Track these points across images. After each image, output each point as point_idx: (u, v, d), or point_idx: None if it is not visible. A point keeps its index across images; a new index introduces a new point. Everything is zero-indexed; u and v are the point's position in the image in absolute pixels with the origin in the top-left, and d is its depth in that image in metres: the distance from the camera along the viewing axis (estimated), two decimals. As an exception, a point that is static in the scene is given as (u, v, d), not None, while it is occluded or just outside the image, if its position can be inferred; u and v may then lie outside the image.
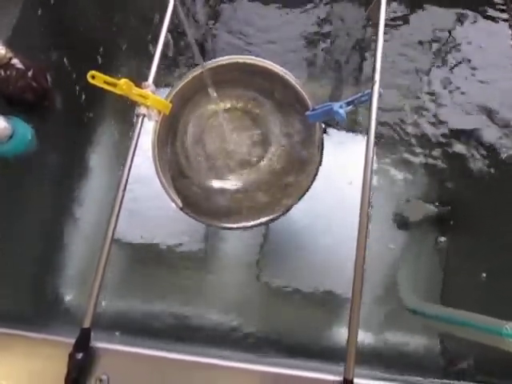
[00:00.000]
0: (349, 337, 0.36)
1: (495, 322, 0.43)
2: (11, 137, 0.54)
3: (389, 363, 0.60)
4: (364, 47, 0.62)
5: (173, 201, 0.45)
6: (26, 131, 0.57)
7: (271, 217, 0.46)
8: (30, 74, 0.56)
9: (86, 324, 0.37)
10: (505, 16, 0.68)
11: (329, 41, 0.69)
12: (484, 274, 0.58)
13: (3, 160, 0.55)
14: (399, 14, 0.67)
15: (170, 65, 0.67)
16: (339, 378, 0.36)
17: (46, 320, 0.58)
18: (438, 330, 0.60)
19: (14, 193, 0.59)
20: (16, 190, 0.59)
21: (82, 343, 0.37)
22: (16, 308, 0.57)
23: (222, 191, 0.50)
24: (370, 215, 0.40)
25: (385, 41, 0.43)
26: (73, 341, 0.37)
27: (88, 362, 0.37)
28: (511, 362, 0.45)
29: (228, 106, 0.52)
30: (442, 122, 0.68)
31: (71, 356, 0.36)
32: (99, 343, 0.38)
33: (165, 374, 0.38)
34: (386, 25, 0.45)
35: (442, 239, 0.66)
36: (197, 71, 0.48)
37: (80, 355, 0.36)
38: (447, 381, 0.40)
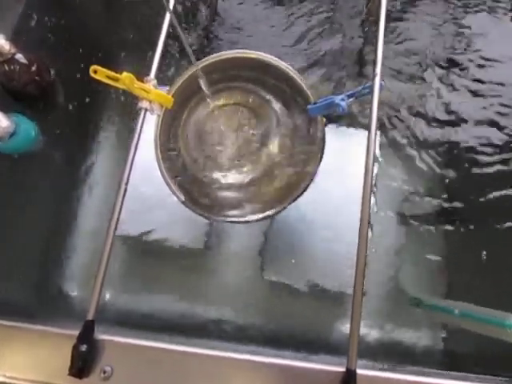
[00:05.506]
0: (351, 328, 0.36)
1: (499, 314, 0.43)
2: (14, 134, 0.54)
3: (391, 355, 0.60)
4: (365, 40, 0.63)
5: (175, 194, 0.45)
6: (29, 128, 0.57)
7: (274, 211, 0.46)
8: (33, 68, 0.56)
9: (90, 316, 0.37)
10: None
11: (331, 35, 0.69)
12: (489, 266, 0.58)
13: (7, 157, 0.56)
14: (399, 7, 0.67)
15: (172, 60, 0.68)
16: (342, 369, 0.36)
17: (50, 313, 0.59)
18: (441, 322, 0.60)
19: (19, 188, 0.59)
20: (21, 185, 0.60)
21: (86, 335, 0.37)
22: (21, 301, 0.57)
23: (225, 185, 0.50)
24: (371, 208, 0.40)
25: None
26: (77, 333, 0.37)
27: (92, 354, 0.37)
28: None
29: (229, 100, 0.52)
30: (445, 115, 0.68)
31: (75, 348, 0.36)
32: (103, 335, 0.39)
33: (168, 366, 0.38)
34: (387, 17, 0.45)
35: (446, 232, 0.66)
36: (197, 66, 0.48)
37: (84, 347, 0.36)
38: (449, 372, 0.40)
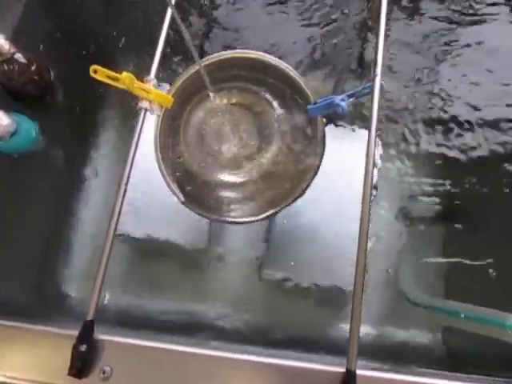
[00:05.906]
0: (351, 328, 0.36)
1: (499, 314, 0.43)
2: (15, 134, 0.54)
3: (391, 356, 0.60)
4: (366, 40, 0.62)
5: (175, 194, 0.45)
6: (30, 128, 0.57)
7: (274, 211, 0.46)
8: (33, 68, 0.56)
9: (90, 316, 0.37)
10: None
11: (331, 35, 0.69)
12: (489, 268, 0.58)
13: (7, 157, 0.56)
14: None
15: (172, 60, 0.68)
16: (342, 370, 0.36)
17: (50, 314, 0.59)
18: (440, 322, 0.60)
19: (19, 188, 0.59)
20: (21, 185, 0.60)
21: (86, 335, 0.37)
22: (21, 301, 0.57)
23: (225, 185, 0.50)
24: (371, 206, 0.40)
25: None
26: (76, 333, 0.37)
27: (91, 354, 0.37)
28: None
29: (229, 100, 0.52)
30: (448, 114, 0.67)
31: (75, 348, 0.36)
32: (102, 335, 0.39)
33: (168, 366, 0.38)
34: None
35: (446, 233, 0.66)
36: (196, 66, 0.48)
37: (83, 347, 0.36)
38: (449, 372, 0.40)
